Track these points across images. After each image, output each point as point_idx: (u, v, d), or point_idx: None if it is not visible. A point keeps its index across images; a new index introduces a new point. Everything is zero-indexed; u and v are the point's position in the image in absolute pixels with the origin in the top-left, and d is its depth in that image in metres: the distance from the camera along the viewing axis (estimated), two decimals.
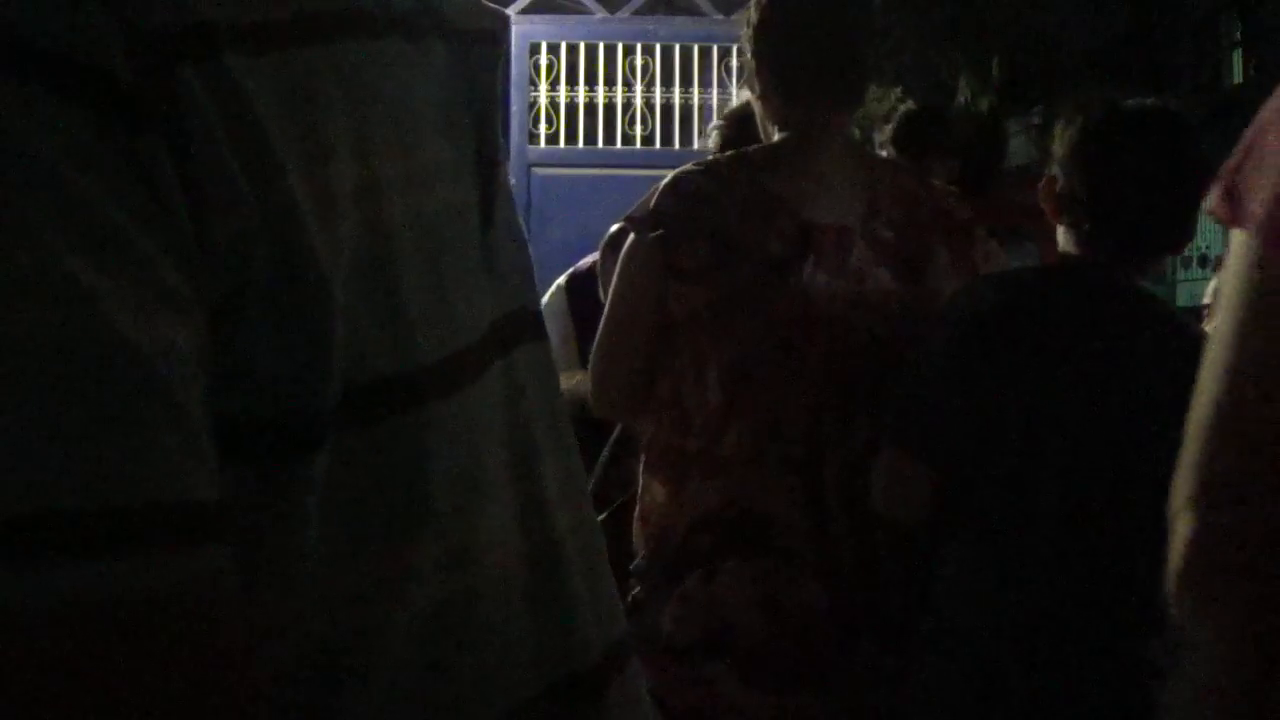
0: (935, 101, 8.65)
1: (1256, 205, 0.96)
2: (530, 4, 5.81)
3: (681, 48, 6.13)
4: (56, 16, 0.48)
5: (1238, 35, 13.09)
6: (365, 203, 0.56)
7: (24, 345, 0.44)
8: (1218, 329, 1.00)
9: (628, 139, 6.12)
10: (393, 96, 0.60)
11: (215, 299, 0.50)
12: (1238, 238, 0.99)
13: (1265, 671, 0.99)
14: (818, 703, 1.82)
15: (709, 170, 1.88)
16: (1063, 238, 1.93)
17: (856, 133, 1.99)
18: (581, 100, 5.94)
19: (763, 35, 1.91)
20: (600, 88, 5.95)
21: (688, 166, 1.90)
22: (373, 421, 0.56)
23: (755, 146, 1.95)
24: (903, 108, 2.05)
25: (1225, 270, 0.99)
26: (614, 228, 2.13)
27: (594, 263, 3.38)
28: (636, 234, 1.86)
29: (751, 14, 1.94)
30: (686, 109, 6.28)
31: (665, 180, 1.87)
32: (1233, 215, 0.99)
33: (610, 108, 6.03)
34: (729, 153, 1.93)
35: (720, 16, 5.89)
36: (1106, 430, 1.79)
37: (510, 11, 5.72)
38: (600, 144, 5.97)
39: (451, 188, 0.63)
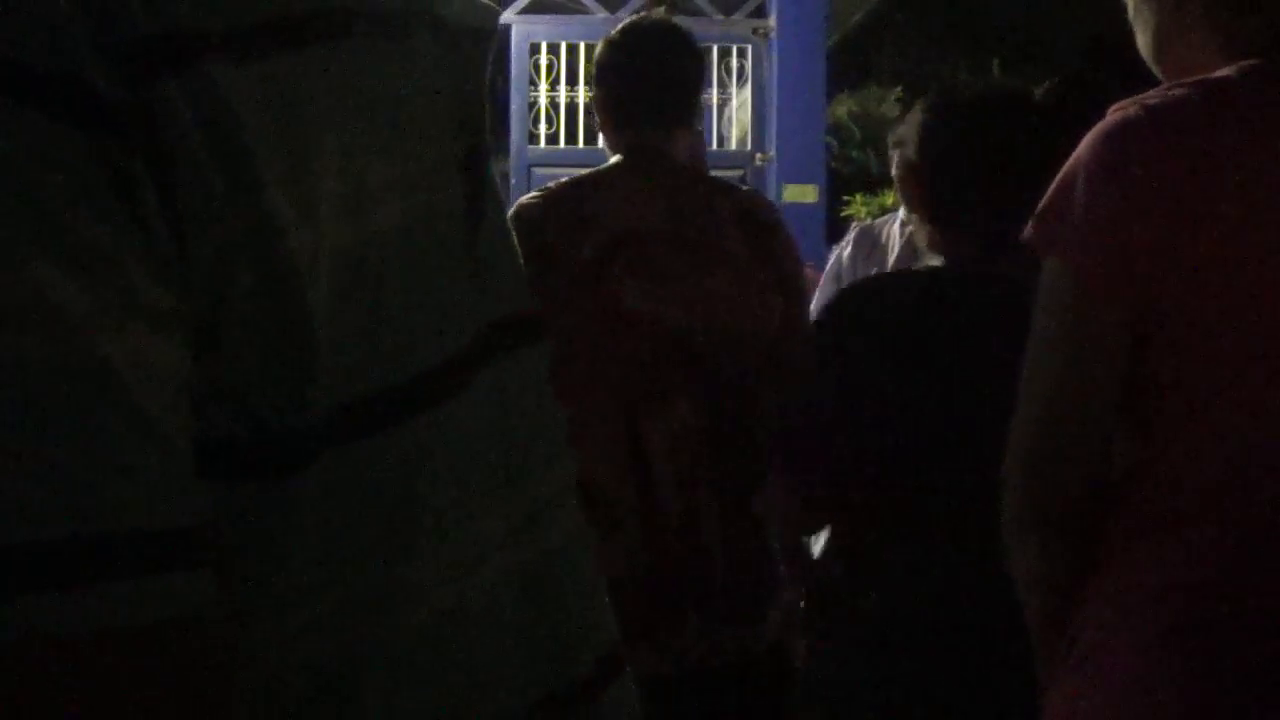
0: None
1: (1065, 237, 1.21)
2: (530, 4, 5.81)
3: None
4: (29, 28, 0.46)
5: None
6: (351, 212, 0.54)
7: None
8: (1033, 334, 1.26)
9: None
10: (379, 99, 0.58)
11: (197, 316, 0.49)
12: (1048, 264, 1.24)
13: (1055, 602, 1.33)
14: (648, 654, 2.08)
15: (545, 195, 2.23)
16: (919, 232, 2.00)
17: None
18: (581, 100, 5.92)
19: (600, 74, 2.30)
20: None
21: (530, 195, 2.25)
22: (361, 437, 0.55)
23: (589, 171, 2.31)
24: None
25: (1039, 288, 1.25)
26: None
27: None
28: None
29: (596, 56, 2.34)
30: None
31: (513, 206, 2.22)
32: (1042, 245, 1.24)
33: None
34: (565, 179, 2.29)
35: (720, 17, 5.89)
36: (986, 421, 1.84)
37: (510, 11, 5.70)
38: (600, 144, 5.95)
39: (438, 192, 0.61)
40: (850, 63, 11.32)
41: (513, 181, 5.71)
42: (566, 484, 0.69)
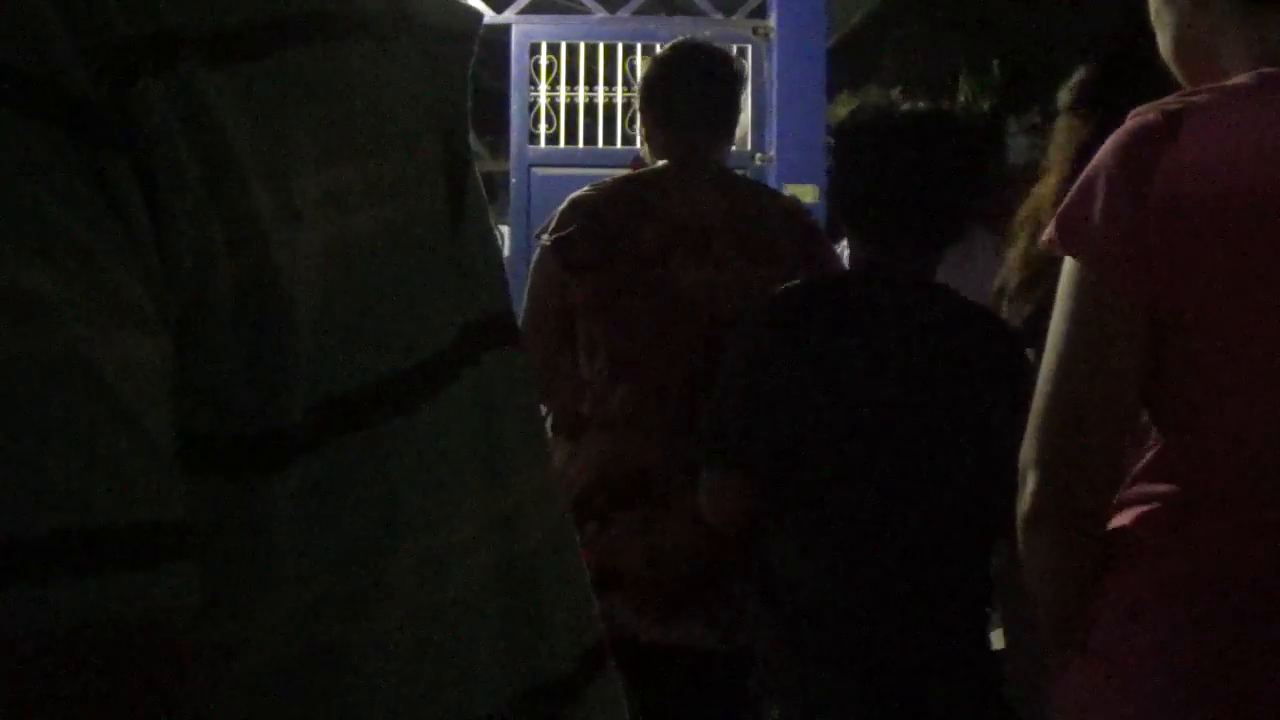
0: (935, 101, 8.65)
1: (1086, 237, 1.26)
2: (530, 4, 5.81)
3: None
4: (11, 29, 0.47)
5: None
6: (331, 213, 0.55)
7: None
8: (1053, 331, 1.30)
9: (628, 139, 6.11)
10: (360, 101, 0.59)
11: (178, 314, 0.50)
12: (1069, 263, 1.29)
13: (1070, 596, 1.34)
14: (701, 629, 2.21)
15: (600, 189, 2.40)
16: (849, 240, 2.13)
17: None
18: (581, 100, 5.92)
19: (650, 88, 2.48)
20: (600, 88, 5.94)
21: (584, 189, 2.41)
22: (340, 436, 0.55)
23: (641, 170, 2.50)
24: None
25: (1060, 286, 1.29)
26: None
27: None
28: (541, 243, 2.37)
29: (643, 72, 2.56)
30: None
31: (566, 200, 2.39)
32: (1064, 245, 1.29)
33: (610, 108, 6.01)
34: (620, 175, 2.49)
35: (720, 16, 5.88)
36: (912, 418, 1.92)
37: (510, 11, 5.70)
38: (600, 144, 5.96)
39: (419, 193, 0.62)
40: (850, 63, 11.32)
41: (513, 181, 5.71)
42: (547, 482, 0.70)
